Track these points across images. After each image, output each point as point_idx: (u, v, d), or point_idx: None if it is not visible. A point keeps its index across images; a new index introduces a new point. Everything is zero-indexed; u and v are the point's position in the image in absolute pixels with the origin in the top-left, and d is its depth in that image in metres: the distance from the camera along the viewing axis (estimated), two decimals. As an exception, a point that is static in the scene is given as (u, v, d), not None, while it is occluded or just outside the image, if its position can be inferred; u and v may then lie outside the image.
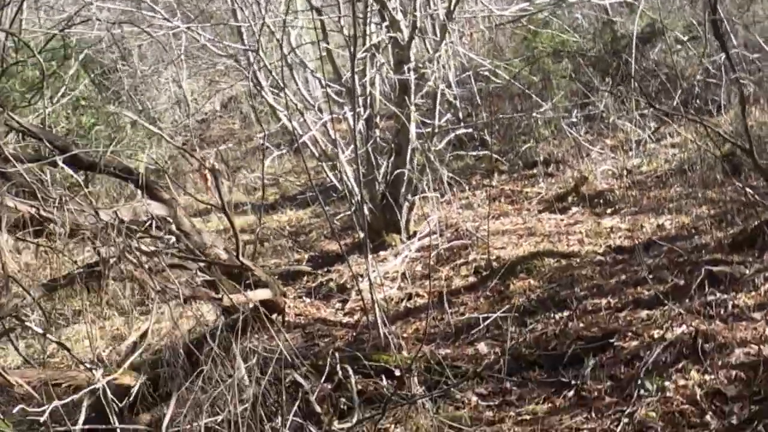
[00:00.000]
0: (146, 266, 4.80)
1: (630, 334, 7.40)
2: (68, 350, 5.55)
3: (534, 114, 12.34)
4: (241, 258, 5.70)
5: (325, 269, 11.12)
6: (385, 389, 6.42)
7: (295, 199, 14.02)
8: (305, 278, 10.98)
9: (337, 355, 7.09)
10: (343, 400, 6.80)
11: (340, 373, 6.75)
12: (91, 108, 13.93)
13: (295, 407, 5.34)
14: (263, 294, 5.74)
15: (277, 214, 13.60)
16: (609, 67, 13.70)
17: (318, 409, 5.41)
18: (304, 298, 10.56)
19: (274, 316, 5.99)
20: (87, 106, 13.89)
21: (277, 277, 8.98)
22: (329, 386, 6.94)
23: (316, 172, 13.52)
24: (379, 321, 7.96)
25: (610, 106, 13.17)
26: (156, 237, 5.05)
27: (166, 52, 16.18)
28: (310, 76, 12.55)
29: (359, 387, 7.07)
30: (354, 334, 8.93)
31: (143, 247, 4.92)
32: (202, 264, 5.25)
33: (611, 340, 7.36)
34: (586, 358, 7.14)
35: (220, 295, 5.28)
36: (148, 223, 5.03)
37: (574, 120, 13.43)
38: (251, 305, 5.49)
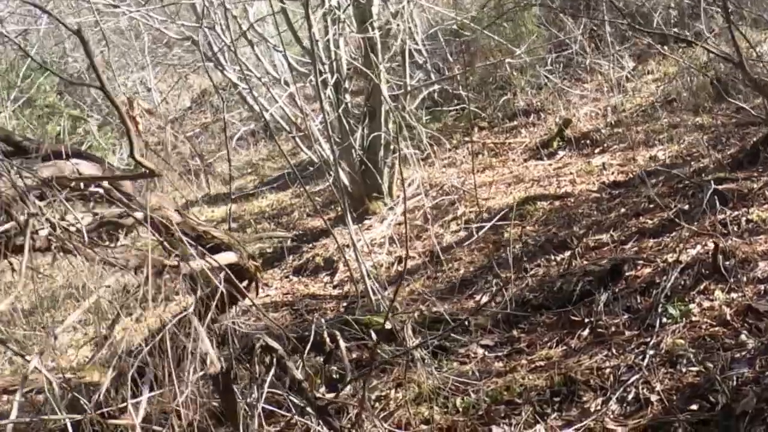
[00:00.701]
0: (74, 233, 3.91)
1: (641, 262, 6.53)
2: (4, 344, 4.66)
3: (508, 61, 11.40)
4: (193, 218, 4.82)
5: (311, 245, 10.28)
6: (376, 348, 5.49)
7: (274, 182, 13.15)
8: (291, 258, 10.12)
9: (323, 321, 6.24)
10: (334, 368, 5.92)
11: (328, 340, 5.85)
12: (56, 115, 13.10)
13: (271, 376, 4.44)
14: (227, 258, 4.85)
15: (257, 200, 12.75)
16: (579, 11, 12.82)
17: (298, 375, 4.52)
18: (291, 276, 9.72)
19: (244, 285, 5.10)
20: (51, 113, 13.06)
21: (252, 246, 8.02)
22: (319, 357, 6.06)
23: (293, 154, 12.72)
24: (369, 287, 7.10)
25: (585, 48, 12.27)
26: (86, 195, 4.14)
27: (127, 49, 15.35)
28: (276, 54, 11.65)
29: (353, 356, 6.21)
30: (345, 305, 8.05)
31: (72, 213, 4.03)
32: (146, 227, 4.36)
33: (622, 270, 6.47)
34: (596, 293, 6.25)
35: (175, 262, 4.39)
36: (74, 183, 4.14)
37: (550, 68, 12.56)
38: (219, 275, 4.60)
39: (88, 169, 4.35)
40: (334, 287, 8.93)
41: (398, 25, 10.10)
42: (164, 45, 14.80)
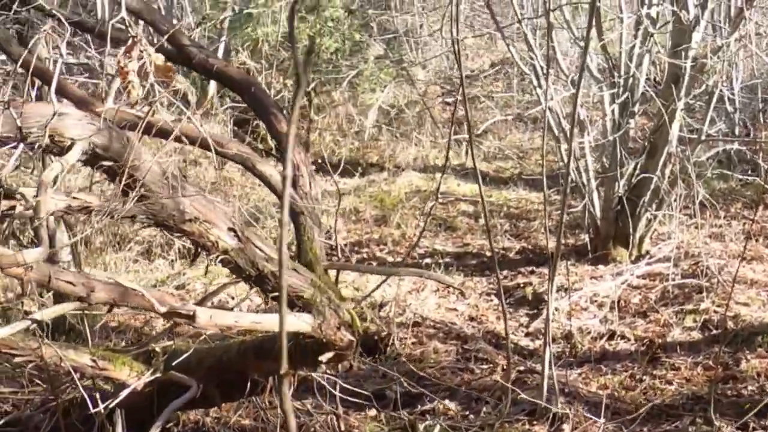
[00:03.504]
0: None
1: None
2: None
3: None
4: (259, 246, 3.14)
5: (530, 269, 8.37)
6: None
7: (531, 178, 11.19)
8: (504, 273, 8.26)
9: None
10: None
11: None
12: (337, 31, 11.66)
13: None
14: (296, 324, 3.17)
15: (507, 190, 10.87)
16: None
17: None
18: (491, 296, 7.87)
19: (322, 358, 3.41)
20: (334, 28, 11.63)
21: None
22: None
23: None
24: (546, 364, 5.22)
25: None
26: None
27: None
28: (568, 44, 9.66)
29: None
30: (519, 369, 6.17)
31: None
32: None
33: None
34: None
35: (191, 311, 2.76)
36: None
37: None
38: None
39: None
40: (526, 334, 7.04)
41: (716, 62, 7.90)
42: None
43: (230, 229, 3.29)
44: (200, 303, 3.91)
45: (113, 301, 3.31)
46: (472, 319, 7.32)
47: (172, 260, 8.49)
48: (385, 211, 10.23)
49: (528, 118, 12.31)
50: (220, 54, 11.79)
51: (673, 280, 7.39)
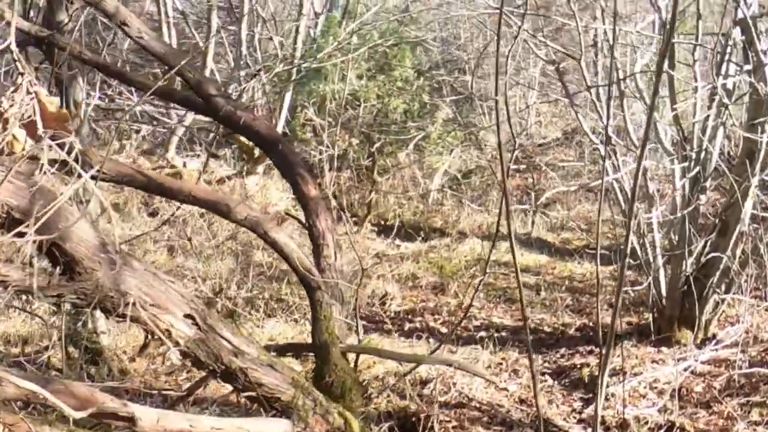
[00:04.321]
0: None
1: None
2: None
3: None
4: (226, 336, 2.71)
5: (589, 348, 7.86)
6: None
7: (594, 250, 10.62)
8: (559, 354, 7.78)
9: None
10: None
11: None
12: (407, 92, 11.38)
13: None
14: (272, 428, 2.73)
15: (572, 262, 10.36)
16: None
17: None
18: (545, 376, 7.38)
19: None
20: (402, 88, 11.34)
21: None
22: None
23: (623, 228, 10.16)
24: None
25: None
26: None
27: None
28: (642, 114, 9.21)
29: None
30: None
31: None
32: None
33: None
34: None
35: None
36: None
37: None
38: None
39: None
40: (578, 421, 6.52)
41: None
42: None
43: (187, 316, 2.84)
44: (182, 398, 3.48)
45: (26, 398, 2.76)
46: (521, 401, 6.82)
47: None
48: (443, 279, 9.83)
49: (597, 188, 11.82)
50: (285, 109, 11.60)
51: (740, 368, 6.82)
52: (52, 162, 2.47)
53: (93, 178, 2.77)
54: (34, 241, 2.50)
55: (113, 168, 3.17)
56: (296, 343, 6.75)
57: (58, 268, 2.68)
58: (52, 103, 2.76)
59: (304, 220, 4.34)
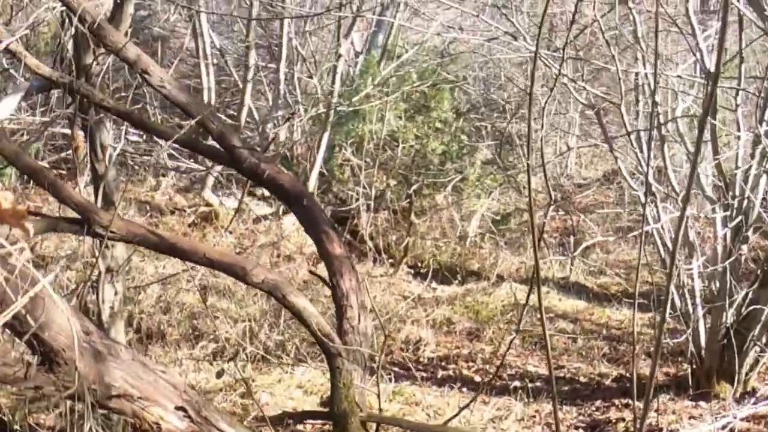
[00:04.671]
0: None
1: None
2: None
3: None
4: (222, 428, 2.57)
5: (625, 401, 7.63)
6: None
7: (630, 299, 10.38)
8: (594, 405, 7.56)
9: None
10: None
11: None
12: (445, 133, 11.27)
13: None
14: None
15: (611, 309, 10.12)
16: None
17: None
18: (579, 430, 7.16)
19: None
20: (441, 129, 11.24)
21: None
22: None
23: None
24: None
25: None
26: None
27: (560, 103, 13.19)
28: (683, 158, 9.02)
29: None
30: None
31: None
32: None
33: None
34: None
35: None
36: None
37: None
38: None
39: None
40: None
41: None
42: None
43: (179, 408, 2.70)
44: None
45: None
46: (553, 458, 6.63)
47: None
48: (479, 324, 9.62)
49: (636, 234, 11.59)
50: (323, 148, 11.53)
51: (782, 428, 6.58)
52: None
53: (101, 237, 2.67)
54: (14, 327, 2.38)
55: (123, 227, 3.09)
56: (314, 411, 6.62)
57: (36, 357, 2.58)
58: (7, 199, 2.65)
59: (327, 279, 4.23)
